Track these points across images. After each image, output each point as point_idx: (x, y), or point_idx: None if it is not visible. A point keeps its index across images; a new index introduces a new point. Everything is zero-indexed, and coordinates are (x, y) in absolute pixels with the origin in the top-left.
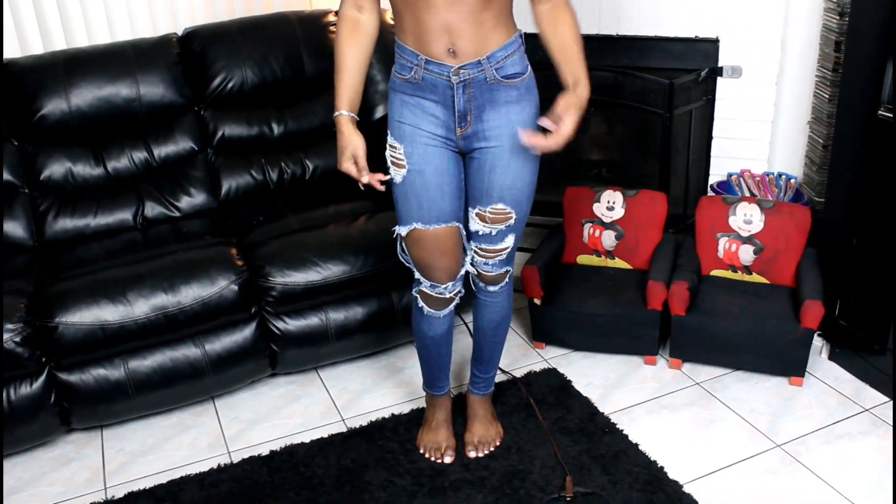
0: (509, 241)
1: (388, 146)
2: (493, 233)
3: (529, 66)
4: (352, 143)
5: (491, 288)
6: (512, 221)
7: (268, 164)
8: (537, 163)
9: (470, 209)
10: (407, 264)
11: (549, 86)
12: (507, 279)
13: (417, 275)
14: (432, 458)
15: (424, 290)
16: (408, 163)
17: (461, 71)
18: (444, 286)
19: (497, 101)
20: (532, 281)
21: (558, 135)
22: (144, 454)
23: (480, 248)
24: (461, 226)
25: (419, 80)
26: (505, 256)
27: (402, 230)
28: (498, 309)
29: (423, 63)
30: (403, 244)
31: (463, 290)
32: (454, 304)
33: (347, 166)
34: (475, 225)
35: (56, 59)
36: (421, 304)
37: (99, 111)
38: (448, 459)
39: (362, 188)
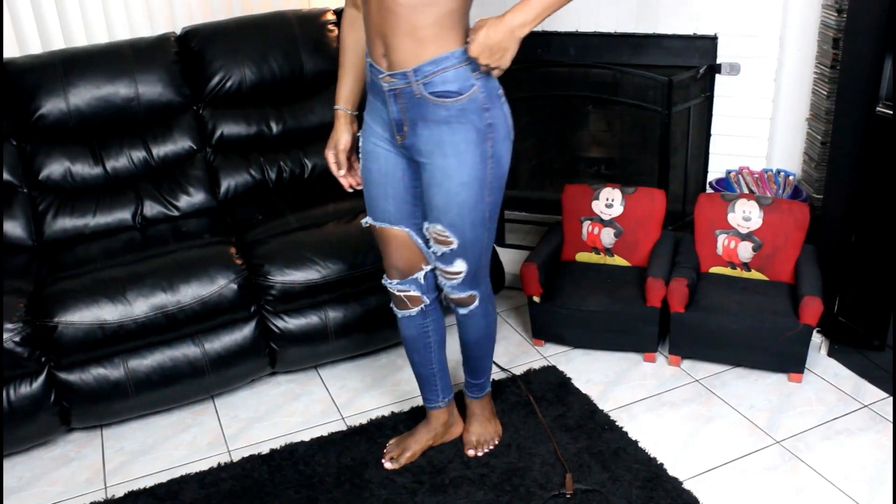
0: (460, 265)
1: None
2: (439, 253)
3: (476, 87)
4: (335, 136)
5: (460, 310)
6: (455, 246)
7: (266, 162)
8: (480, 190)
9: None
10: None
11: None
12: (475, 303)
13: None
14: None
15: (383, 281)
16: (361, 157)
17: (390, 79)
18: (391, 281)
19: (427, 118)
20: (531, 278)
21: (469, 45)
22: (144, 453)
23: (437, 267)
24: (413, 232)
25: (369, 82)
26: (461, 280)
27: (364, 219)
28: (473, 329)
29: (368, 65)
30: None
31: (426, 300)
32: (415, 310)
33: (328, 154)
34: (430, 241)
35: (54, 59)
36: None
37: (97, 111)
38: (388, 465)
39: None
